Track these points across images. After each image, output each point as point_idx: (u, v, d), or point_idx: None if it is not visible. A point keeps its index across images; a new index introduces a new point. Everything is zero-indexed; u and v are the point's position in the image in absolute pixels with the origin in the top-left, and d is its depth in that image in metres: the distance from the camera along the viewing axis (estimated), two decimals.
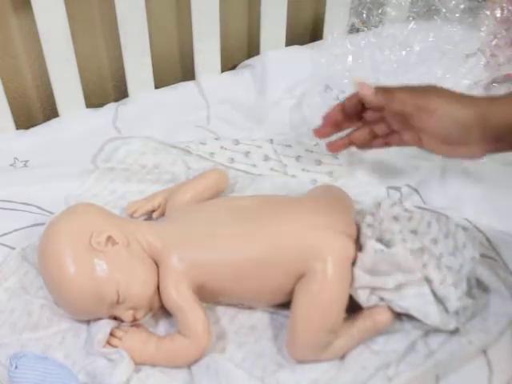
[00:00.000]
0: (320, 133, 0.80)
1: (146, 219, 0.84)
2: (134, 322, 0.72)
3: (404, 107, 0.67)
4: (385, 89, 0.68)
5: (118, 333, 0.71)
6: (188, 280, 0.71)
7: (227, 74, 1.13)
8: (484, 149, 0.67)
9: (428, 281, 0.68)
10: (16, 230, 0.83)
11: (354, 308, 0.70)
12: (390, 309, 0.70)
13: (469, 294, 0.68)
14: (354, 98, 0.75)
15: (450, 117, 0.64)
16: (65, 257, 0.69)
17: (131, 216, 0.83)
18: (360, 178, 0.90)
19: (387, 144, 0.76)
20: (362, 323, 0.69)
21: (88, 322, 0.73)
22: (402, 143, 0.75)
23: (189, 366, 0.70)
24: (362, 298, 0.68)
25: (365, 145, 0.80)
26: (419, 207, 0.85)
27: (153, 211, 0.84)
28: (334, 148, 0.84)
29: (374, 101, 0.68)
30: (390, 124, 0.73)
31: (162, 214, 0.83)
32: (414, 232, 0.70)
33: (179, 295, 0.70)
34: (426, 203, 0.86)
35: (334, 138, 0.86)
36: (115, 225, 0.73)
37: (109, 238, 0.71)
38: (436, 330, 0.69)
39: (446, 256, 0.69)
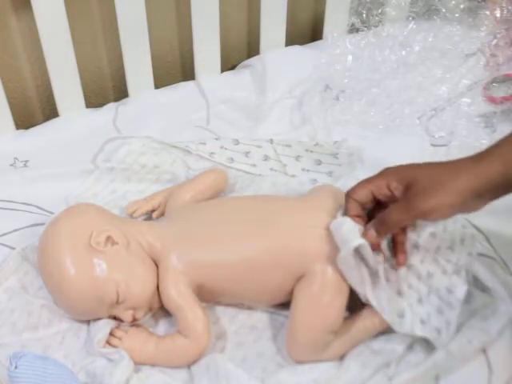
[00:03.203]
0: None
1: (145, 219, 0.84)
2: (134, 322, 0.72)
3: (403, 225, 0.67)
4: (379, 219, 0.66)
5: (118, 333, 0.72)
6: (187, 280, 0.71)
7: (227, 73, 1.13)
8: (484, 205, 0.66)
9: (429, 275, 0.68)
10: (16, 230, 0.83)
11: (353, 308, 0.70)
12: None
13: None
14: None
15: (451, 209, 0.63)
16: (64, 257, 0.69)
17: (131, 216, 0.83)
18: (360, 178, 0.90)
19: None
20: (361, 323, 0.69)
21: (88, 322, 0.73)
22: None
23: (188, 365, 0.70)
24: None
25: None
26: None
27: (152, 211, 0.84)
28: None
29: (379, 241, 0.67)
30: None
31: (162, 214, 0.83)
32: (413, 225, 0.70)
33: (179, 295, 0.70)
34: None
35: None
36: (115, 225, 0.73)
37: (108, 238, 0.71)
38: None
39: (444, 249, 0.69)
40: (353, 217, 0.67)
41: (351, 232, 0.65)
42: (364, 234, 0.65)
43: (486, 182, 0.62)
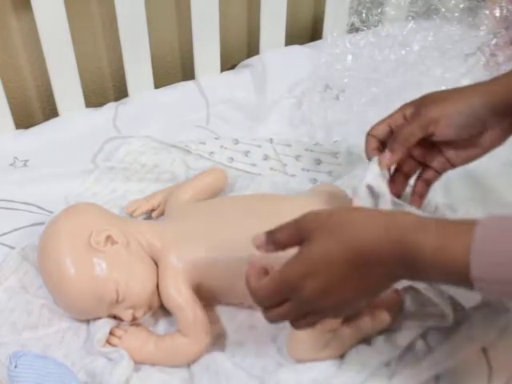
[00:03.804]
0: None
1: (145, 218, 0.84)
2: (134, 322, 0.72)
3: (416, 137, 0.66)
4: (393, 138, 0.67)
5: (118, 332, 0.72)
6: (187, 279, 0.71)
7: (227, 73, 1.13)
8: (506, 128, 0.66)
9: None
10: (16, 230, 0.83)
11: None
12: (389, 308, 0.70)
13: None
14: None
15: (460, 114, 0.64)
16: (64, 256, 0.69)
17: (131, 215, 0.83)
18: (360, 178, 0.90)
19: (427, 183, 0.73)
20: (361, 322, 0.69)
21: (88, 321, 0.73)
22: (436, 175, 0.72)
23: (188, 365, 0.70)
24: None
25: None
26: None
27: (152, 210, 0.84)
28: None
29: (396, 160, 0.67)
30: (416, 156, 0.72)
31: (162, 214, 0.83)
32: None
33: (178, 294, 0.70)
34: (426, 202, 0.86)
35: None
36: (115, 224, 0.73)
37: (108, 238, 0.71)
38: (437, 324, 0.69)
39: None
40: (371, 151, 0.68)
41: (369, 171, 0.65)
42: (381, 162, 0.66)
43: (497, 91, 0.63)
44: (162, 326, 0.75)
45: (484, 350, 0.68)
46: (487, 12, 1.10)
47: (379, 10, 1.14)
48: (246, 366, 0.69)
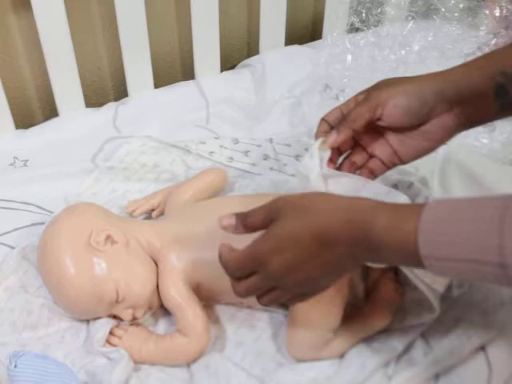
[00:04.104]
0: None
1: (145, 218, 0.84)
2: (134, 321, 0.72)
3: (364, 118, 0.65)
4: (342, 119, 0.67)
5: (118, 332, 0.72)
6: (187, 279, 0.71)
7: (227, 73, 1.13)
8: (455, 118, 0.65)
9: None
10: (16, 230, 0.83)
11: (352, 306, 0.70)
12: (389, 307, 0.70)
13: None
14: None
15: (406, 95, 0.64)
16: (64, 256, 0.69)
17: (130, 215, 0.83)
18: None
19: (373, 173, 0.72)
20: (360, 321, 0.69)
21: (88, 321, 0.73)
22: (383, 167, 0.71)
23: (188, 364, 0.70)
24: None
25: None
26: None
27: (152, 210, 0.84)
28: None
29: (342, 140, 0.67)
30: (363, 145, 0.71)
31: (162, 213, 0.83)
32: None
33: (178, 294, 0.70)
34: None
35: None
36: (114, 224, 0.73)
37: (108, 237, 0.71)
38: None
39: None
40: (320, 132, 0.68)
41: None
42: (326, 138, 0.66)
43: (448, 79, 0.63)
44: (161, 325, 0.75)
45: (484, 350, 0.68)
46: (487, 12, 1.10)
47: (379, 10, 1.14)
48: (245, 365, 0.69)
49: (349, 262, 0.57)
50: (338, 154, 0.70)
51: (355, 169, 0.70)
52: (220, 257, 0.61)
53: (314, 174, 0.64)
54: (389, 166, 0.69)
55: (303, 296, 0.62)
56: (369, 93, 0.66)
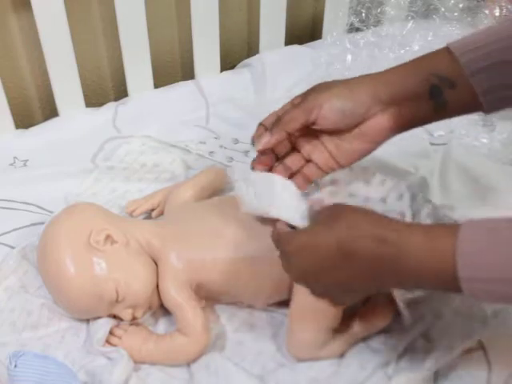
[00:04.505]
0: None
1: (145, 218, 0.84)
2: (134, 321, 0.72)
3: (298, 122, 0.65)
4: (276, 121, 0.66)
5: (118, 331, 0.72)
6: (187, 278, 0.71)
7: (226, 73, 1.13)
8: (389, 119, 0.65)
9: None
10: (15, 229, 0.83)
11: (352, 306, 0.70)
12: (389, 307, 0.70)
13: None
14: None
15: (341, 99, 0.64)
16: (64, 256, 0.69)
17: (130, 215, 0.83)
18: (359, 177, 0.90)
19: (308, 179, 0.71)
20: (360, 321, 0.69)
21: (88, 320, 0.73)
22: (319, 172, 0.70)
23: (188, 364, 0.70)
24: None
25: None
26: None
27: (152, 210, 0.84)
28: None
29: (276, 142, 0.66)
30: (300, 149, 0.70)
31: (161, 213, 0.83)
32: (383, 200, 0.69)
33: (178, 294, 0.70)
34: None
35: None
36: (114, 224, 0.73)
37: (108, 237, 0.71)
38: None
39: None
40: (254, 137, 0.67)
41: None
42: (258, 141, 0.66)
43: (382, 81, 0.64)
44: (161, 325, 0.75)
45: (484, 350, 0.68)
46: (487, 12, 1.10)
47: (379, 10, 1.14)
48: (245, 365, 0.69)
49: (370, 282, 0.57)
50: (276, 159, 0.69)
51: (290, 174, 0.69)
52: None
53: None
54: (325, 171, 0.69)
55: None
56: (305, 96, 0.66)
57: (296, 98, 0.68)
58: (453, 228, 0.51)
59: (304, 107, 0.64)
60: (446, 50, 0.64)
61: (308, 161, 0.69)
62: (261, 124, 0.68)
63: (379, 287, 0.59)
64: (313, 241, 0.58)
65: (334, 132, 0.66)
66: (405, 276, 0.54)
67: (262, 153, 0.68)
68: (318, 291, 0.62)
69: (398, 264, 0.53)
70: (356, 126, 0.65)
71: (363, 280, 0.57)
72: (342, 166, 0.68)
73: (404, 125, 0.66)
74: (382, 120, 0.65)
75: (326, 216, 0.59)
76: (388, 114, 0.64)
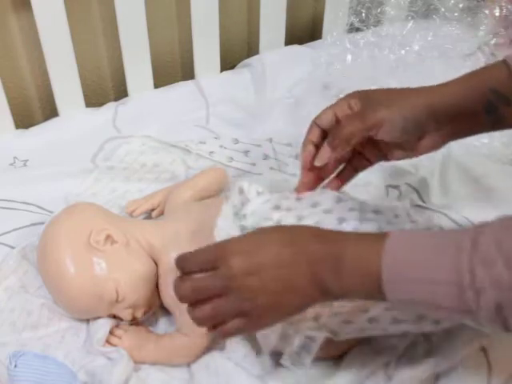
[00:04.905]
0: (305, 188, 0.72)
1: (145, 218, 0.84)
2: (134, 321, 0.72)
3: (359, 137, 0.65)
4: (334, 139, 0.65)
5: (118, 332, 0.72)
6: None
7: (226, 73, 1.13)
8: (444, 136, 0.67)
9: None
10: (15, 229, 0.83)
11: None
12: None
13: None
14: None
15: (403, 121, 0.64)
16: (64, 256, 0.69)
17: (130, 215, 0.83)
18: (359, 177, 0.90)
19: (356, 170, 0.72)
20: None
21: (88, 320, 0.73)
22: (368, 164, 0.72)
23: (188, 364, 0.70)
24: None
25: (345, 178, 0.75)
26: (418, 206, 0.85)
27: (152, 210, 0.84)
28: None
29: (334, 156, 0.66)
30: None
31: (162, 213, 0.83)
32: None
33: None
34: (425, 202, 0.86)
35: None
36: (114, 224, 0.73)
37: (108, 237, 0.71)
38: None
39: None
40: (310, 141, 0.67)
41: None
42: (320, 153, 0.66)
43: (440, 99, 0.64)
44: (161, 325, 0.75)
45: (484, 350, 0.68)
46: (487, 12, 1.10)
47: (379, 10, 1.14)
48: (245, 365, 0.69)
49: (309, 285, 0.55)
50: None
51: (339, 163, 0.70)
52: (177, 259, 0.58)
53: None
54: (373, 164, 0.70)
55: (244, 319, 0.56)
56: (363, 107, 0.65)
57: (351, 96, 0.66)
58: (381, 236, 0.53)
59: (364, 125, 0.63)
60: (503, 64, 0.63)
61: (358, 153, 0.70)
62: (315, 122, 0.67)
63: (318, 290, 0.55)
64: (254, 241, 0.57)
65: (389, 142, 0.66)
66: (340, 276, 0.54)
67: (308, 170, 0.69)
68: (251, 301, 0.55)
69: (340, 262, 0.54)
70: (410, 141, 0.66)
71: (301, 281, 0.55)
72: (389, 161, 0.70)
73: (456, 138, 0.67)
74: (436, 138, 0.66)
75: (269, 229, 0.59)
76: (443, 132, 0.65)
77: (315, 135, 0.67)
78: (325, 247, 0.55)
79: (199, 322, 0.57)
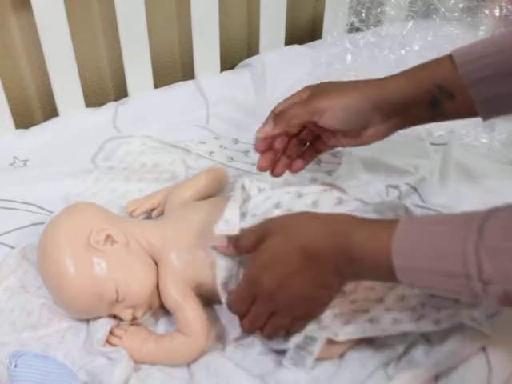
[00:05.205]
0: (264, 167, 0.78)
1: (145, 218, 0.84)
2: (134, 321, 0.72)
3: (300, 119, 0.70)
4: (280, 113, 0.71)
5: (118, 332, 0.72)
6: (187, 279, 0.71)
7: (226, 73, 1.13)
8: (389, 126, 0.70)
9: None
10: (15, 229, 0.83)
11: None
12: None
13: None
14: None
15: (345, 110, 0.68)
16: (64, 256, 0.69)
17: (130, 215, 0.83)
18: (359, 177, 0.90)
19: (316, 151, 0.78)
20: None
21: (88, 320, 0.73)
22: (326, 147, 0.77)
23: (188, 364, 0.70)
24: None
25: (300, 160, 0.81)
26: (418, 206, 0.85)
27: (152, 210, 0.84)
28: (278, 173, 0.80)
29: (277, 132, 0.71)
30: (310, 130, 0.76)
31: (162, 213, 0.83)
32: None
33: (178, 294, 0.70)
34: (425, 202, 0.86)
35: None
36: (114, 224, 0.73)
37: (108, 237, 0.71)
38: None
39: None
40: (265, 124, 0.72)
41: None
42: (260, 129, 0.71)
43: (386, 92, 0.67)
44: (162, 325, 0.75)
45: (484, 350, 0.68)
46: (487, 12, 1.10)
47: (379, 10, 1.14)
48: (246, 365, 0.69)
49: (333, 276, 0.61)
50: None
51: (300, 145, 0.76)
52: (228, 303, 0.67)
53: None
54: (330, 147, 0.76)
55: (302, 319, 0.65)
56: (311, 94, 0.70)
57: (306, 88, 0.71)
58: (394, 222, 0.56)
59: (307, 109, 0.68)
60: (449, 59, 0.66)
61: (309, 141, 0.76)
62: (273, 111, 0.72)
63: (341, 280, 0.62)
64: (270, 256, 0.62)
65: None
66: (356, 265, 0.58)
67: (262, 152, 0.73)
68: (295, 308, 0.64)
69: (349, 253, 0.57)
70: (354, 129, 0.70)
71: (327, 275, 0.60)
72: (344, 146, 0.75)
73: (400, 129, 0.70)
74: (381, 128, 0.69)
75: (275, 229, 0.62)
76: (387, 123, 0.69)
77: (270, 119, 0.72)
78: (338, 241, 0.58)
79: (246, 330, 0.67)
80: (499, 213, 0.51)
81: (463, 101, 0.65)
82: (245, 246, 0.65)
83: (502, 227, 0.50)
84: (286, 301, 0.62)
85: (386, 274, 0.56)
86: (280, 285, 0.61)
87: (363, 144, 0.73)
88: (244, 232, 0.66)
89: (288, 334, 0.66)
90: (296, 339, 0.66)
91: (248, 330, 0.67)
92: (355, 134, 0.71)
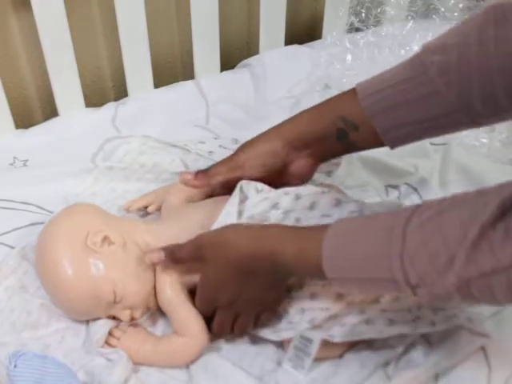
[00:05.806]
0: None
1: (142, 216, 0.84)
2: (132, 322, 0.72)
3: (223, 176, 0.73)
4: (204, 170, 0.74)
5: (117, 332, 0.71)
6: (183, 280, 0.71)
7: (226, 73, 1.13)
8: (308, 163, 0.73)
9: None
10: (15, 229, 0.83)
11: None
12: None
13: None
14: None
15: (261, 157, 0.72)
16: (61, 257, 0.69)
17: (127, 211, 0.83)
18: (359, 177, 0.90)
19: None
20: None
21: (87, 321, 0.73)
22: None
23: (187, 365, 0.70)
24: None
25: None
26: None
27: (147, 206, 0.84)
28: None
29: (196, 185, 0.75)
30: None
31: (158, 208, 0.83)
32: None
33: (175, 295, 0.70)
34: None
35: None
36: (112, 225, 0.73)
37: (105, 238, 0.71)
38: None
39: None
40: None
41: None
42: (185, 179, 0.74)
43: (292, 128, 0.72)
44: (160, 326, 0.74)
45: (484, 350, 0.68)
46: None
47: (379, 10, 1.14)
48: (244, 365, 0.69)
49: (275, 279, 0.65)
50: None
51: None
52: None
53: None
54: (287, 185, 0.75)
55: (265, 313, 0.68)
56: (234, 153, 0.73)
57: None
58: (319, 234, 0.58)
59: (229, 165, 0.73)
60: (353, 92, 0.69)
61: None
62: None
63: (285, 278, 0.67)
64: (216, 279, 0.66)
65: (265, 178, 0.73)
66: (290, 274, 0.65)
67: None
68: (256, 306, 0.68)
69: (281, 268, 0.62)
70: (280, 172, 0.73)
71: (269, 281, 0.65)
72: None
73: (322, 161, 0.74)
74: (301, 162, 0.73)
75: (210, 247, 0.66)
76: (304, 157, 0.72)
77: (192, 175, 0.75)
78: (268, 257, 0.62)
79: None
80: (422, 214, 0.53)
81: (368, 132, 0.67)
82: (182, 258, 0.68)
83: (422, 231, 0.52)
84: (244, 305, 0.67)
85: (322, 279, 0.59)
86: (234, 298, 0.66)
87: (296, 183, 0.74)
88: (179, 245, 0.68)
89: (256, 327, 0.69)
90: (293, 341, 0.66)
91: (218, 335, 0.70)
92: (281, 174, 0.73)
